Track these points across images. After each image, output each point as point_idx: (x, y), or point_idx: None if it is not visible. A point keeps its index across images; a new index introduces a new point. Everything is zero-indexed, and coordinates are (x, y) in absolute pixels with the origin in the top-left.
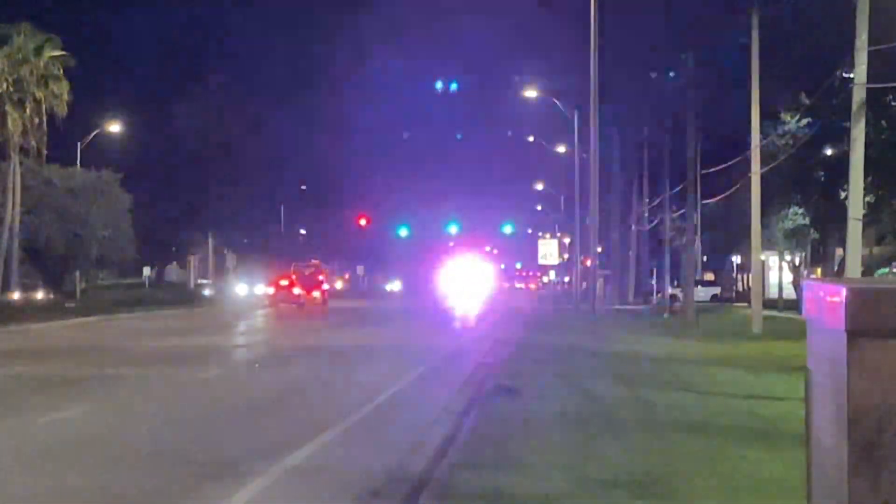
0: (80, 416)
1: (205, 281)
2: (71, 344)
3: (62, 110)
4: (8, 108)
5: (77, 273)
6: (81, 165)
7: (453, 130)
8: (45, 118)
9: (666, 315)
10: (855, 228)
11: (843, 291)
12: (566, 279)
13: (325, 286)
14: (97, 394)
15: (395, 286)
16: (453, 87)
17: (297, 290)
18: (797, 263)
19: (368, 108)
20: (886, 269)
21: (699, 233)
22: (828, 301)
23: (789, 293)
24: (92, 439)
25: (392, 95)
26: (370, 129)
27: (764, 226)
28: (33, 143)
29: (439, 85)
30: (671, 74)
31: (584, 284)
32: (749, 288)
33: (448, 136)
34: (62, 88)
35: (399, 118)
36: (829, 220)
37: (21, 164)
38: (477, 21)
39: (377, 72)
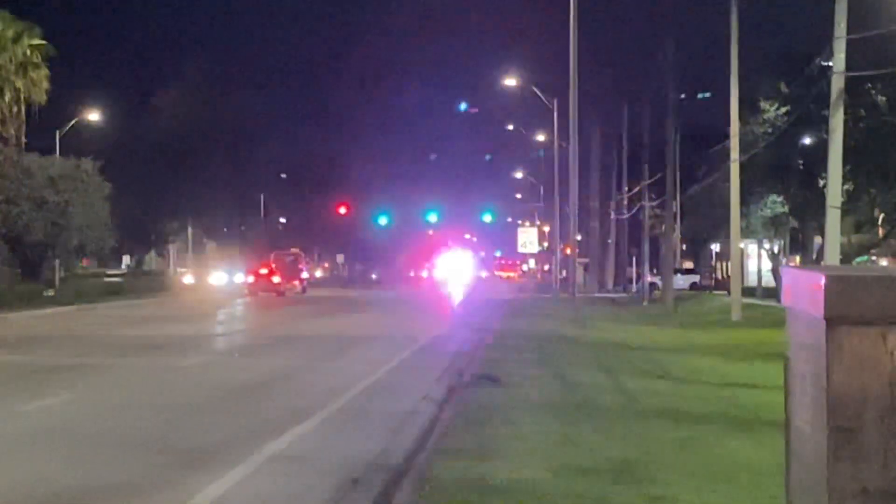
0: (59, 405)
1: (184, 270)
2: (50, 333)
3: (41, 99)
4: None
5: (56, 262)
6: (60, 154)
7: (435, 119)
8: (23, 106)
9: (645, 303)
10: (833, 216)
11: (822, 279)
12: (546, 267)
13: (305, 275)
14: (77, 382)
15: (374, 274)
16: (463, 107)
17: (276, 279)
18: (776, 251)
19: (349, 96)
20: (865, 257)
21: (678, 221)
22: (806, 288)
23: (768, 281)
24: (72, 428)
25: (373, 84)
26: (350, 117)
27: (743, 214)
28: (12, 131)
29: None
30: (650, 62)
31: (564, 272)
32: (728, 276)
33: (429, 124)
34: (41, 77)
35: (379, 106)
36: (808, 209)
37: (0, 152)
38: (458, 8)
39: (357, 60)
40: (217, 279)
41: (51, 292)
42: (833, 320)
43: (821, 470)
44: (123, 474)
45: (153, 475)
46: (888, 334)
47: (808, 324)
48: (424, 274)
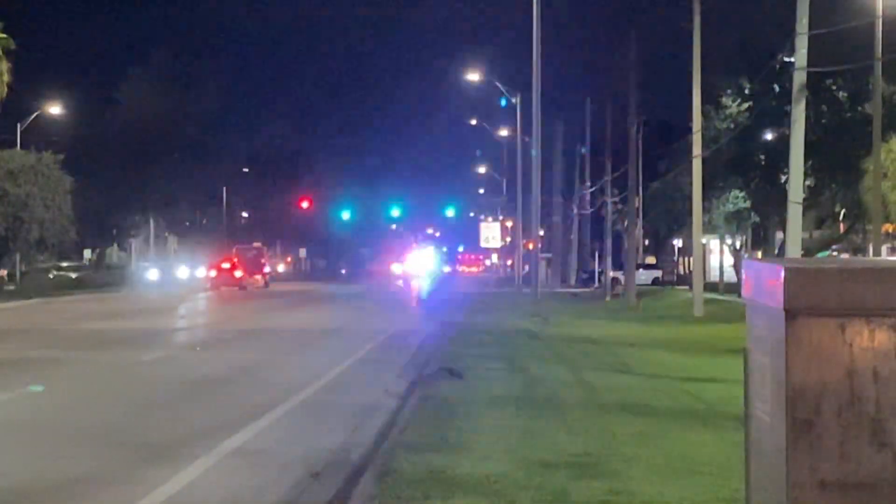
0: (20, 399)
1: (146, 264)
2: (10, 327)
3: (2, 92)
4: None
5: (17, 256)
6: (21, 147)
7: (399, 114)
8: None
9: (607, 298)
10: (795, 212)
11: (782, 271)
12: (509, 262)
13: (267, 269)
14: (38, 376)
15: (337, 269)
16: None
17: (238, 273)
18: (738, 247)
19: (312, 90)
20: (827, 252)
21: (640, 216)
22: (766, 280)
23: (730, 276)
24: (32, 421)
25: (335, 79)
26: (313, 112)
27: (705, 209)
28: None
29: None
30: (613, 59)
31: (527, 267)
32: (690, 271)
33: (394, 118)
34: (1, 69)
35: (342, 101)
36: (770, 204)
37: None
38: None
39: (319, 55)
40: (179, 273)
41: (11, 286)
42: (792, 312)
43: (780, 461)
44: (83, 468)
45: (113, 469)
46: (847, 326)
47: (768, 315)
48: (388, 268)
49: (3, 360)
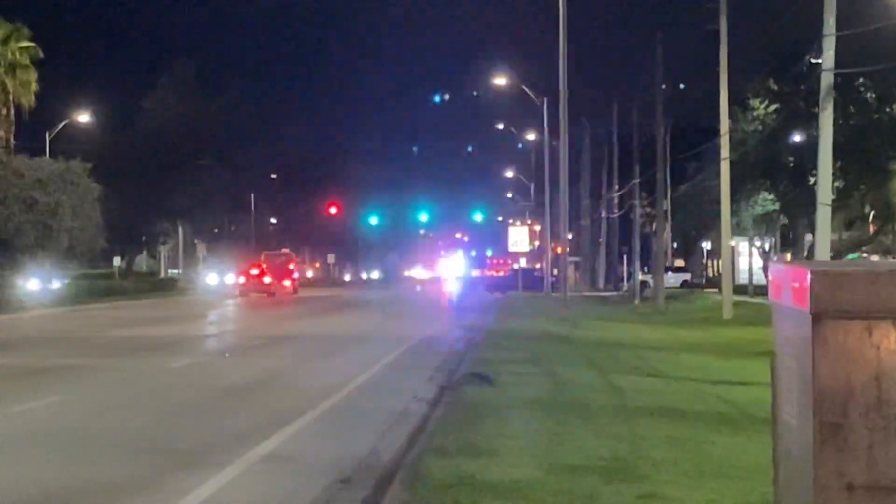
0: (51, 406)
1: (175, 271)
2: (41, 334)
3: (30, 100)
4: None
5: (47, 263)
6: (50, 155)
7: (427, 119)
8: (13, 108)
9: (636, 301)
10: (824, 213)
11: (808, 274)
12: (537, 266)
13: (296, 275)
14: (68, 384)
15: (366, 274)
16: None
17: (267, 279)
18: (767, 249)
19: (339, 96)
20: (857, 254)
21: (669, 219)
22: (792, 284)
23: (759, 279)
24: (63, 429)
25: (364, 84)
26: (341, 117)
27: (733, 212)
28: (1, 133)
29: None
30: (640, 62)
31: (555, 271)
32: (719, 274)
33: (422, 125)
34: (30, 78)
35: (370, 106)
36: (799, 206)
37: None
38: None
39: (347, 61)
40: (208, 280)
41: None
42: (819, 315)
43: (807, 464)
44: (114, 475)
45: (144, 476)
46: (873, 328)
47: (795, 318)
48: (416, 272)
49: (35, 367)
